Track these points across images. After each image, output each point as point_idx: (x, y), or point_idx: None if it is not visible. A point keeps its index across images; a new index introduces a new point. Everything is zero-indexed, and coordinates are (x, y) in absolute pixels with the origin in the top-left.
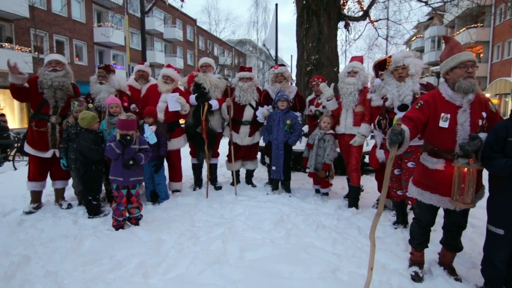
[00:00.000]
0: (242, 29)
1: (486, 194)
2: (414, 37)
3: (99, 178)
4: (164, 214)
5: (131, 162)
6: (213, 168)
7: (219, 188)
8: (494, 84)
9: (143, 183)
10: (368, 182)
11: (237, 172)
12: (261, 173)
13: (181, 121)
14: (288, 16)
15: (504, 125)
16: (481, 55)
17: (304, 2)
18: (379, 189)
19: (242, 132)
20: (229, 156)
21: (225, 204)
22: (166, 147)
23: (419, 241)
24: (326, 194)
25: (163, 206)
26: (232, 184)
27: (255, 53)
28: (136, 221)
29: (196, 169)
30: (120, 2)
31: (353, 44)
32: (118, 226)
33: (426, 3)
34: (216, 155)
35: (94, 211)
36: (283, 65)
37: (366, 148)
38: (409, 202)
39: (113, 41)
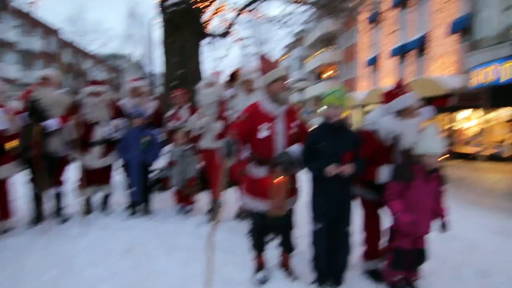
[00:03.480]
0: (115, 42)
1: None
2: (284, 57)
3: None
4: None
5: None
6: (57, 198)
7: (66, 220)
8: None
9: None
10: (230, 195)
11: (90, 199)
12: (120, 197)
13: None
14: None
15: (315, 132)
16: (336, 72)
17: (167, 15)
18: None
19: (93, 153)
20: (79, 181)
21: (69, 238)
22: None
23: (259, 246)
24: (189, 211)
25: None
26: (83, 213)
27: (131, 68)
28: None
29: (36, 200)
30: None
31: (222, 61)
32: None
33: (284, 24)
34: (60, 182)
35: None
36: (142, 78)
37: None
38: None
39: None
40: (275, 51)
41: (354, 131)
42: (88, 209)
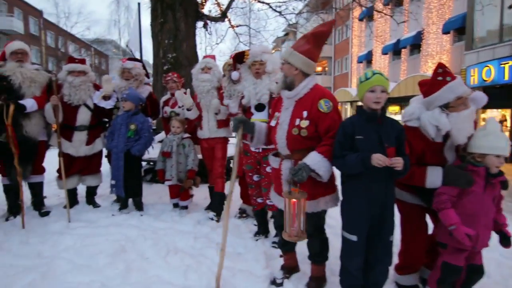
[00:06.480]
0: (99, 26)
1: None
2: (274, 50)
3: None
4: None
5: None
6: (35, 188)
7: (46, 214)
8: (337, 94)
9: None
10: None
11: (73, 190)
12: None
13: None
14: None
15: (350, 122)
16: (326, 68)
17: None
18: (242, 196)
19: (76, 139)
20: (59, 170)
21: (49, 236)
22: None
23: (285, 245)
24: (186, 207)
25: None
26: (66, 206)
27: (118, 54)
28: None
29: (9, 191)
30: None
31: (216, 48)
32: None
33: (280, 13)
34: (39, 170)
35: None
36: (137, 59)
37: (231, 152)
38: (270, 209)
39: None
40: (267, 42)
41: (398, 121)
42: (71, 202)
